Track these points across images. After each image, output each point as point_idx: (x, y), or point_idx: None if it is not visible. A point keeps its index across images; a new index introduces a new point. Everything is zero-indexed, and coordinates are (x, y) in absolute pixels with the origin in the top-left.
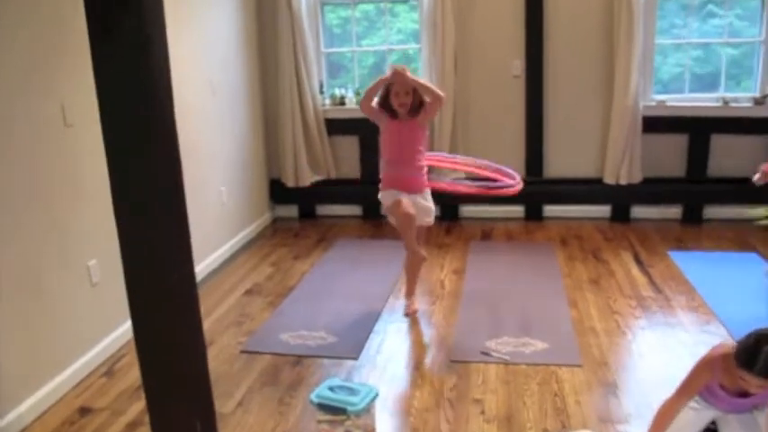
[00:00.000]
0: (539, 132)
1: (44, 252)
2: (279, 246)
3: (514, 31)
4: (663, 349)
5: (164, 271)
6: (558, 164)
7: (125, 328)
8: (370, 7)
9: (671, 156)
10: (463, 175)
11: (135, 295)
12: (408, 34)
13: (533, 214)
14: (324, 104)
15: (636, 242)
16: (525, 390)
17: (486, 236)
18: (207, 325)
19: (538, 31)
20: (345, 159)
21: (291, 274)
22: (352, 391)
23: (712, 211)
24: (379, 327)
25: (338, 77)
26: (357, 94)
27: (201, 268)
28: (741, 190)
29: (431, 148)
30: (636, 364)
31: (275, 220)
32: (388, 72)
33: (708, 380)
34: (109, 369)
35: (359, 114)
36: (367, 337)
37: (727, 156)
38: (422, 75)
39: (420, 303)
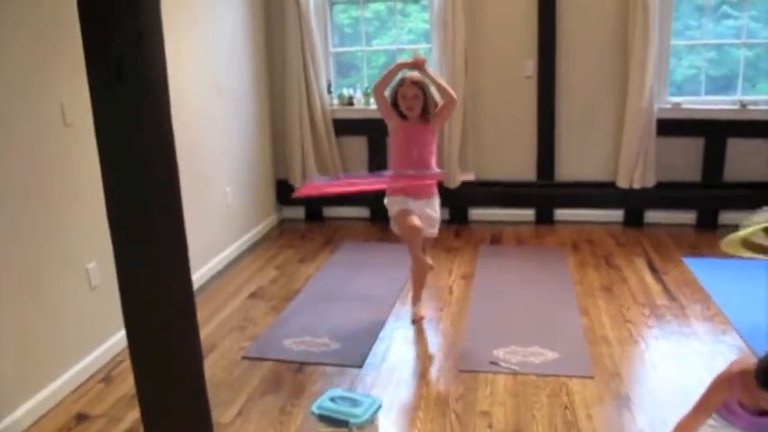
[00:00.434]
0: (550, 134)
1: (43, 253)
2: (285, 247)
3: (527, 30)
4: (677, 360)
5: (160, 280)
6: (570, 166)
7: (124, 333)
8: (381, 7)
9: (686, 159)
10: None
11: (129, 305)
12: (419, 34)
13: (544, 218)
14: (332, 104)
15: (649, 248)
16: (534, 402)
17: (495, 240)
18: (209, 329)
19: (550, 31)
20: (353, 160)
21: (296, 278)
22: (354, 403)
23: (728, 217)
24: (384, 334)
25: (349, 77)
26: (366, 94)
27: (206, 270)
28: (758, 195)
29: (440, 150)
30: (649, 376)
31: (282, 222)
32: (410, 59)
33: (726, 397)
34: (107, 375)
35: (367, 115)
36: (372, 345)
37: (744, 160)
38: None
39: (427, 310)
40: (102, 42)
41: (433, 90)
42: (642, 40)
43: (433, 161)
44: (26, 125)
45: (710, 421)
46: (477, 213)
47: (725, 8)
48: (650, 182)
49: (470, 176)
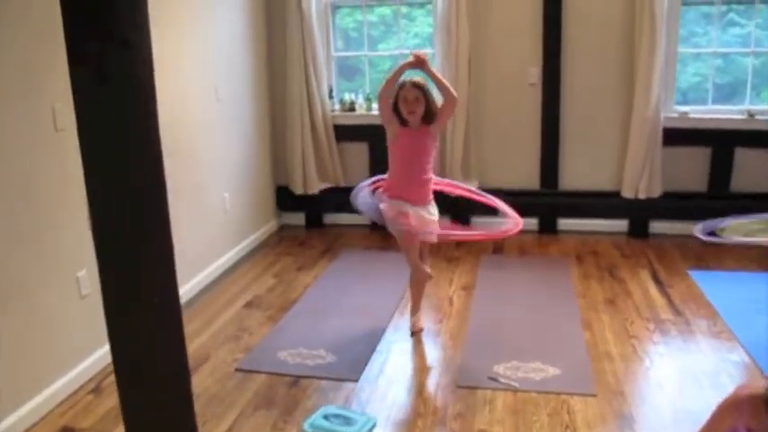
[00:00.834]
0: (554, 142)
1: (32, 261)
2: (283, 255)
3: (531, 37)
4: (682, 378)
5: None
6: (574, 175)
7: None
8: (387, 11)
9: (692, 169)
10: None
11: (113, 320)
12: (425, 38)
13: (548, 227)
14: (333, 110)
15: (654, 260)
16: (534, 421)
17: (497, 249)
18: (203, 339)
19: (555, 38)
20: (354, 167)
21: (294, 287)
22: (348, 421)
23: None
24: (382, 346)
25: (354, 81)
26: (368, 99)
27: (202, 278)
28: (766, 206)
29: (442, 157)
30: (653, 395)
31: (281, 228)
32: (410, 56)
33: (733, 423)
34: (97, 386)
35: (369, 121)
36: (369, 358)
37: (751, 170)
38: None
39: (426, 321)
40: (84, 46)
41: (436, 93)
42: (649, 48)
43: (431, 168)
44: (17, 130)
45: None
46: (479, 222)
47: (731, 16)
48: (656, 192)
49: (473, 185)
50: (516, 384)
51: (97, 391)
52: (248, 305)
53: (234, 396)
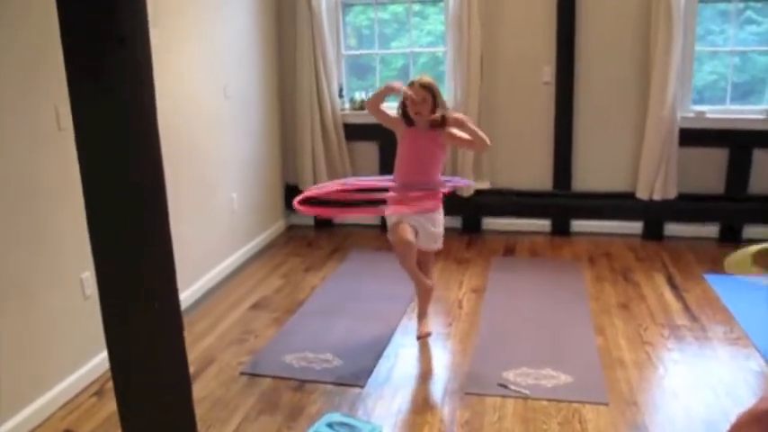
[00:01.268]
0: (568, 142)
1: (35, 262)
2: (291, 255)
3: (545, 34)
4: (698, 387)
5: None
6: (588, 176)
7: None
8: (399, 9)
9: (709, 170)
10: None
11: (111, 328)
12: (438, 36)
13: (560, 229)
14: (343, 108)
15: (669, 263)
16: (545, 430)
17: (509, 251)
18: (208, 341)
19: (569, 36)
20: (364, 166)
21: (301, 288)
22: (352, 429)
23: (752, 231)
24: (389, 351)
25: (366, 79)
26: None
27: (209, 279)
28: None
29: (453, 157)
30: (668, 404)
31: (290, 228)
32: (406, 89)
33: None
34: (100, 388)
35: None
36: (376, 363)
37: None
38: (447, 78)
39: (435, 325)
40: (80, 45)
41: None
42: (665, 46)
43: (438, 174)
44: (19, 130)
45: None
46: (490, 222)
47: (749, 13)
48: (671, 193)
49: (485, 184)
50: (527, 392)
51: (100, 393)
52: (255, 306)
53: (238, 400)
